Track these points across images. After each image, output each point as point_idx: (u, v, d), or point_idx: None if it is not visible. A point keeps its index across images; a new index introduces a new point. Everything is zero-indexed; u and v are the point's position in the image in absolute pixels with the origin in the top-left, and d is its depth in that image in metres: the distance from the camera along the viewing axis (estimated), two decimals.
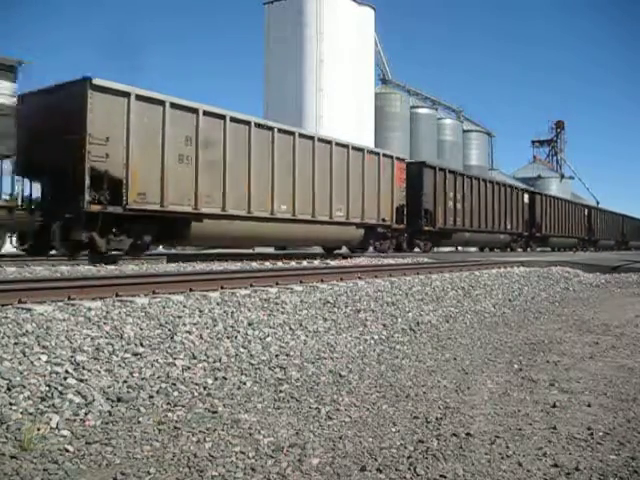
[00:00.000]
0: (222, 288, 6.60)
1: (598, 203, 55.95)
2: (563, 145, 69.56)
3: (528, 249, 29.01)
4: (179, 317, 4.90)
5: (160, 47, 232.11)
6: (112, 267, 10.21)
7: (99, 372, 3.44)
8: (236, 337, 4.63)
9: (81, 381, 3.26)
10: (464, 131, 49.26)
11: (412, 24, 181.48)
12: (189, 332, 4.51)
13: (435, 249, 22.25)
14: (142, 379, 3.47)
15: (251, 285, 7.02)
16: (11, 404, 2.87)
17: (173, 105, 11.83)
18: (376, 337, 5.39)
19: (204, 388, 3.52)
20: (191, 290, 6.20)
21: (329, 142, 16.16)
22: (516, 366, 4.46)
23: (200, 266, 11.11)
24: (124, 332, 4.24)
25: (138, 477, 2.29)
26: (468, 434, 2.83)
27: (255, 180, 13.59)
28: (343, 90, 31.01)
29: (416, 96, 46.66)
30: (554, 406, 3.34)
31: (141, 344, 4.06)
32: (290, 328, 5.19)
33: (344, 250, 19.11)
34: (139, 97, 11.20)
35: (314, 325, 5.44)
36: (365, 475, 2.36)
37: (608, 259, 18.50)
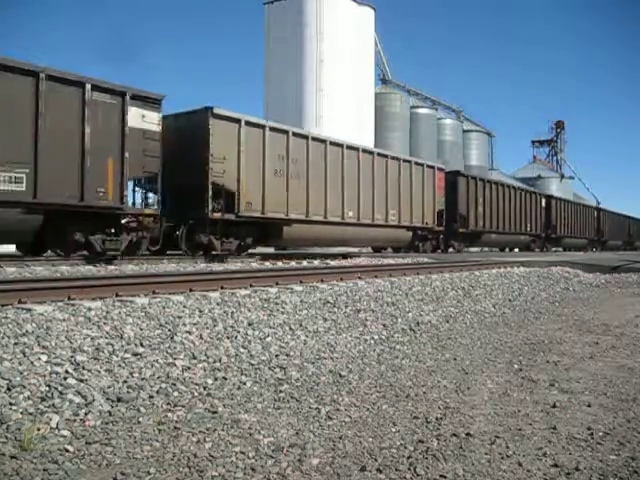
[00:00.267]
0: (222, 288, 6.61)
1: (599, 203, 56.05)
2: (563, 145, 69.58)
3: (544, 249, 30.90)
4: (179, 317, 4.90)
5: (160, 47, 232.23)
6: (112, 267, 10.23)
7: (99, 372, 3.44)
8: (236, 337, 4.63)
9: (81, 381, 3.26)
10: (464, 131, 49.27)
11: (412, 24, 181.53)
12: (189, 332, 4.51)
13: (465, 249, 24.42)
14: (142, 379, 3.47)
15: (251, 285, 7.02)
16: (11, 404, 2.87)
17: (271, 129, 14.45)
18: (376, 337, 5.39)
19: (204, 388, 3.52)
20: (191, 290, 6.21)
21: (385, 156, 19.02)
22: (516, 366, 4.46)
23: (200, 266, 11.13)
24: (124, 332, 4.24)
25: (138, 477, 2.29)
26: (468, 434, 2.83)
27: (330, 191, 16.19)
28: (343, 90, 31.02)
29: (416, 96, 46.69)
30: (554, 406, 3.34)
31: (141, 344, 4.06)
32: (290, 328, 5.19)
33: (344, 250, 19.31)
34: (247, 123, 13.75)
35: (314, 325, 5.44)
36: (365, 475, 2.36)
37: (608, 259, 18.50)
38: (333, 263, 14.38)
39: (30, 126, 9.83)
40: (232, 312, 5.35)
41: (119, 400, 3.14)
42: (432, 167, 21.42)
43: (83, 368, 3.44)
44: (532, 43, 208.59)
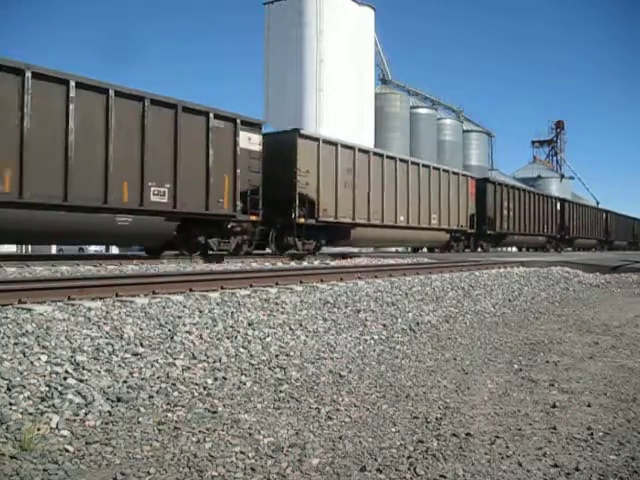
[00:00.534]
0: (222, 288, 6.60)
1: (598, 203, 56.20)
2: (563, 145, 69.68)
3: (558, 249, 32.65)
4: (179, 317, 4.89)
5: (160, 47, 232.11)
6: (112, 267, 10.23)
7: (99, 372, 3.44)
8: (236, 337, 4.63)
9: (81, 381, 3.26)
10: (464, 131, 49.31)
11: (412, 24, 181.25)
12: (189, 332, 4.51)
13: (491, 249, 26.49)
14: (142, 379, 3.47)
15: (251, 285, 7.02)
16: (11, 404, 2.87)
17: (342, 145, 16.75)
18: (376, 337, 5.39)
19: (204, 388, 3.52)
20: (191, 290, 6.20)
21: (428, 166, 21.31)
22: (516, 366, 4.46)
23: (200, 267, 11.13)
24: (124, 332, 4.24)
25: (138, 477, 2.29)
26: (468, 434, 2.83)
27: (386, 198, 18.42)
28: (343, 90, 31.04)
29: (416, 96, 46.72)
30: (554, 406, 3.34)
31: (141, 344, 4.06)
32: (290, 328, 5.19)
33: (344, 250, 19.38)
34: (324, 141, 16.11)
35: (314, 325, 5.44)
36: (365, 475, 2.36)
37: (608, 259, 18.50)
38: (333, 263, 14.45)
39: (171, 150, 12.06)
40: (232, 312, 5.35)
41: (119, 400, 3.14)
42: (466, 176, 24.36)
43: (83, 368, 3.44)
44: (532, 43, 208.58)
